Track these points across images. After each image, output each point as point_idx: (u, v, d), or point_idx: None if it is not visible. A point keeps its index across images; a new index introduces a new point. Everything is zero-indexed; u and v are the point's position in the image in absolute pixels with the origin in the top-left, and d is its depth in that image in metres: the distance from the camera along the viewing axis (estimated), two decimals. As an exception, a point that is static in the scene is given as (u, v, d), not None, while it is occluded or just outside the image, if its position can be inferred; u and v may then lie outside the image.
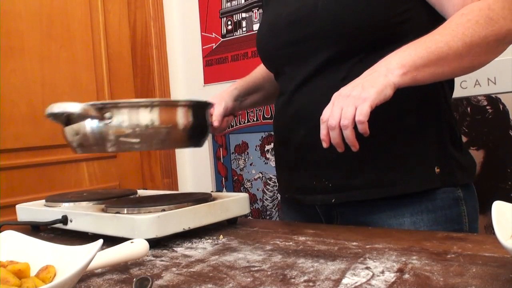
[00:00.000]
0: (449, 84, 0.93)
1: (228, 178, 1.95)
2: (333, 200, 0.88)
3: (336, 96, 0.76)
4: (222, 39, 1.95)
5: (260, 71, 1.16)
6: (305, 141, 0.90)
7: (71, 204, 0.98)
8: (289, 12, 0.92)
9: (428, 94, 0.87)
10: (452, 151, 0.89)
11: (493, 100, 1.28)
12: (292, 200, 1.00)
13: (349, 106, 0.73)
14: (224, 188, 1.98)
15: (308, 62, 0.90)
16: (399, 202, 0.86)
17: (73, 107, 0.72)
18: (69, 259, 0.57)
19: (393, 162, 0.85)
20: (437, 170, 0.85)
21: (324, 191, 0.89)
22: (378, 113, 0.85)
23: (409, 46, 0.76)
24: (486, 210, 0.87)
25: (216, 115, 1.01)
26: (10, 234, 0.64)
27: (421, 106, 0.86)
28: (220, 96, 1.07)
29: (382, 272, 0.58)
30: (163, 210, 0.82)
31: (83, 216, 0.87)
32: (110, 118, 0.73)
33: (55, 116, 0.75)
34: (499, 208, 0.57)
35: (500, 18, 0.74)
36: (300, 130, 0.91)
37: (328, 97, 0.87)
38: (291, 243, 0.76)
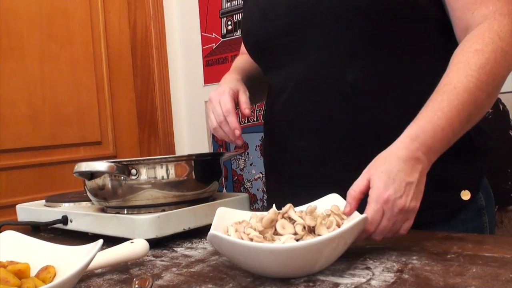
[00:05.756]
0: None
1: (228, 178, 1.95)
2: None
3: (384, 201, 0.63)
4: (222, 39, 1.95)
5: (254, 69, 1.00)
6: (312, 153, 0.82)
7: (71, 204, 0.98)
8: None
9: None
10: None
11: (493, 100, 1.28)
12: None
13: (399, 223, 0.65)
14: (224, 188, 1.98)
15: (310, 53, 0.81)
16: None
17: (101, 166, 0.78)
18: (69, 259, 0.57)
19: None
20: (465, 192, 0.79)
21: None
22: None
23: (433, 116, 0.66)
24: (486, 210, 0.87)
25: (245, 103, 0.87)
26: (10, 234, 0.64)
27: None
28: (239, 83, 0.92)
29: (382, 272, 0.58)
30: (163, 210, 0.82)
31: (83, 216, 0.87)
32: (135, 174, 0.81)
33: (81, 173, 0.83)
34: None
35: (511, 46, 0.70)
36: (307, 137, 0.83)
37: (337, 93, 0.79)
38: (291, 243, 0.76)
